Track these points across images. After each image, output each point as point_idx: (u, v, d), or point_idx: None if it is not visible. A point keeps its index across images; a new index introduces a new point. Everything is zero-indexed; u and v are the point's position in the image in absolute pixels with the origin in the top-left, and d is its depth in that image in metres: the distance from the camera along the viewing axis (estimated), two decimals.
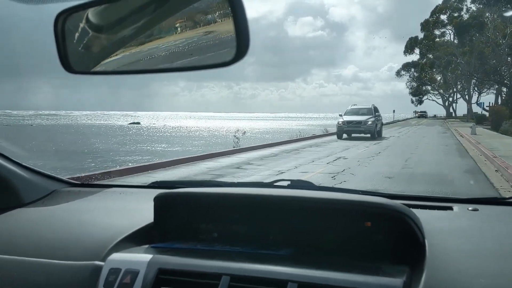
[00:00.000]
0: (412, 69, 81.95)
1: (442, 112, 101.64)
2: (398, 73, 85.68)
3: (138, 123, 53.14)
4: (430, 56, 67.55)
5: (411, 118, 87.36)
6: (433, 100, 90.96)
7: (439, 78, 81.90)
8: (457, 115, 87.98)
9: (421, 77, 79.24)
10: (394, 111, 66.95)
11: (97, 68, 1.10)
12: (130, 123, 51.79)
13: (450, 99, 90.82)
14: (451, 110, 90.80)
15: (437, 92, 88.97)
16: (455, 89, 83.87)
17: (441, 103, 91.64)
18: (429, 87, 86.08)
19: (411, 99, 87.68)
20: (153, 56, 1.01)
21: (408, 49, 70.97)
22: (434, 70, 70.56)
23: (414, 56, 76.79)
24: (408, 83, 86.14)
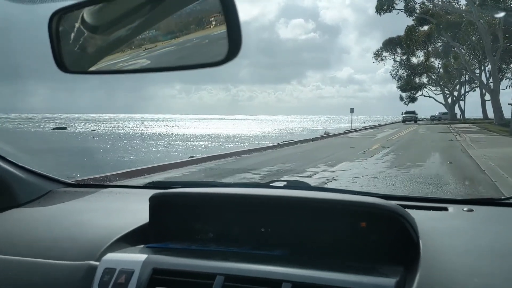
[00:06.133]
0: (398, 50, 53.62)
1: (437, 110, 72.59)
2: (377, 56, 55.97)
3: (64, 128, 46.49)
4: (425, 28, 44.25)
5: (397, 122, 57.81)
6: (430, 96, 62.76)
7: (438, 63, 56.56)
8: (464, 116, 60.37)
9: (409, 61, 53.07)
10: (352, 110, 35.69)
11: (91, 68, 1.10)
12: (53, 128, 45.05)
13: (456, 93, 61.40)
14: (456, 110, 62.15)
15: (435, 86, 62.09)
16: (463, 78, 54.53)
17: (442, 100, 63.18)
18: (424, 79, 58.85)
19: (400, 95, 60.39)
20: (146, 55, 1.02)
21: (384, 3, 41.23)
22: (432, 36, 44.89)
23: (399, 24, 48.13)
24: (393, 71, 56.82)
